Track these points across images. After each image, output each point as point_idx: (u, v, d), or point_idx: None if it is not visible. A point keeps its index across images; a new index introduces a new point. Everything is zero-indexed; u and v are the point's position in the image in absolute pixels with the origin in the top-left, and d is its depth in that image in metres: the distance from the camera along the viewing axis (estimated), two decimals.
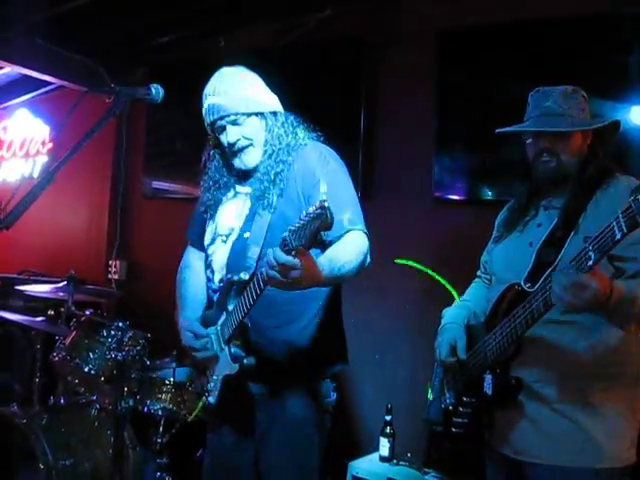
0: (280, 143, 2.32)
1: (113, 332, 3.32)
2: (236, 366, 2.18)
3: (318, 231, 1.79)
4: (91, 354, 3.35)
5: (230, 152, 2.37)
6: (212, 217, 2.47)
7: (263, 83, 2.43)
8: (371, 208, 4.19)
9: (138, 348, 3.29)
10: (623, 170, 2.17)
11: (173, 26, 4.70)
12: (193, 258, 2.61)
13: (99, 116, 2.12)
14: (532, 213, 2.23)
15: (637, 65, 3.26)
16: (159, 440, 3.49)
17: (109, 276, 5.26)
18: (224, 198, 2.45)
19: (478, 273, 2.56)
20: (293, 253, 1.82)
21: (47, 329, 3.73)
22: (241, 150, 2.33)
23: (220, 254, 2.37)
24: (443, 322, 2.39)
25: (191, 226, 2.65)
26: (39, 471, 3.06)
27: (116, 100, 2.19)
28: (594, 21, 3.37)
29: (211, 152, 2.49)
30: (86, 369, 3.34)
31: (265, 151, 2.33)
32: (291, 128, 2.38)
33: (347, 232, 2.18)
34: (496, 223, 2.45)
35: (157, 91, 2.23)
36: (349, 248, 2.15)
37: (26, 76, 5.21)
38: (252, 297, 2.07)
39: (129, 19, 4.49)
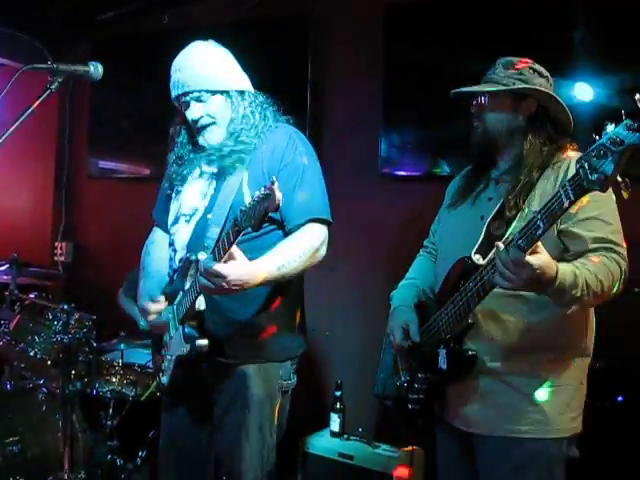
0: (246, 124, 2.28)
1: (59, 315, 3.27)
2: (187, 346, 2.16)
3: (266, 213, 1.80)
4: (37, 338, 3.31)
5: (195, 129, 2.33)
6: (177, 195, 2.43)
7: (234, 60, 2.38)
8: None
9: (85, 330, 3.26)
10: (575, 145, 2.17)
11: (116, 1, 4.59)
12: (158, 235, 2.57)
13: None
14: (483, 185, 2.23)
15: (580, 41, 3.30)
16: (109, 422, 3.45)
17: (55, 258, 5.17)
18: (189, 177, 2.41)
19: (425, 242, 2.55)
20: (225, 257, 1.90)
21: None
22: (204, 127, 2.30)
23: (182, 234, 2.35)
24: (393, 305, 2.38)
25: (156, 206, 2.61)
26: None
27: (53, 77, 2.13)
28: None
29: (177, 127, 2.44)
30: (32, 353, 3.30)
31: (229, 131, 2.30)
32: (259, 109, 2.33)
33: (308, 221, 2.20)
34: (448, 191, 2.44)
35: (96, 68, 2.15)
36: (298, 245, 2.17)
37: None
38: (197, 288, 2.07)
39: None
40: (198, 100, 2.27)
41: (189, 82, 2.25)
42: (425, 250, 2.54)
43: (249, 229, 1.86)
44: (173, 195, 2.45)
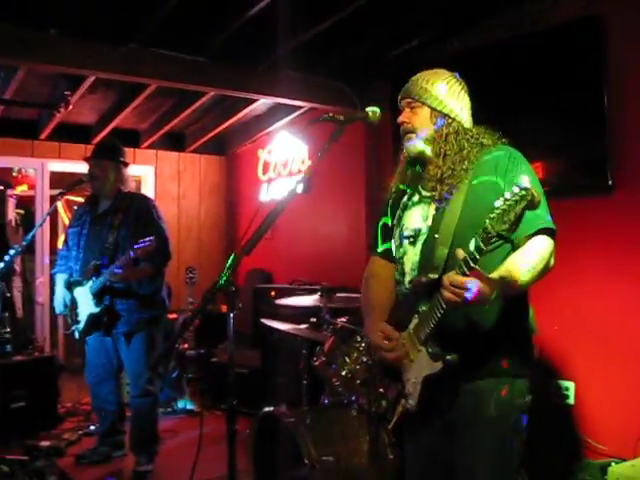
0: (449, 148, 2.37)
1: (364, 337, 3.50)
2: (438, 364, 2.18)
3: (523, 212, 1.86)
4: (346, 358, 3.56)
5: (401, 135, 2.50)
6: (398, 221, 2.54)
7: (461, 96, 2.47)
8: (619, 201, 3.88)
9: None
10: None
11: (408, 35, 4.84)
12: (377, 266, 2.67)
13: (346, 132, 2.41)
14: None
15: None
16: None
17: None
18: (409, 203, 2.52)
19: None
20: (468, 273, 1.95)
21: (309, 336, 4.03)
22: (405, 134, 2.47)
23: (410, 256, 2.42)
24: None
25: (373, 242, 2.72)
26: (304, 465, 3.31)
27: (337, 126, 2.41)
28: None
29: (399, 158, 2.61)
30: (343, 372, 3.56)
31: (434, 149, 2.40)
32: (460, 139, 2.38)
33: (537, 232, 2.19)
34: None
35: (374, 113, 2.45)
36: (533, 255, 2.15)
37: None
38: (441, 306, 2.11)
39: (367, 35, 4.70)
40: (409, 106, 2.46)
41: (409, 91, 2.47)
42: None
43: (503, 232, 1.89)
44: (395, 222, 2.56)
